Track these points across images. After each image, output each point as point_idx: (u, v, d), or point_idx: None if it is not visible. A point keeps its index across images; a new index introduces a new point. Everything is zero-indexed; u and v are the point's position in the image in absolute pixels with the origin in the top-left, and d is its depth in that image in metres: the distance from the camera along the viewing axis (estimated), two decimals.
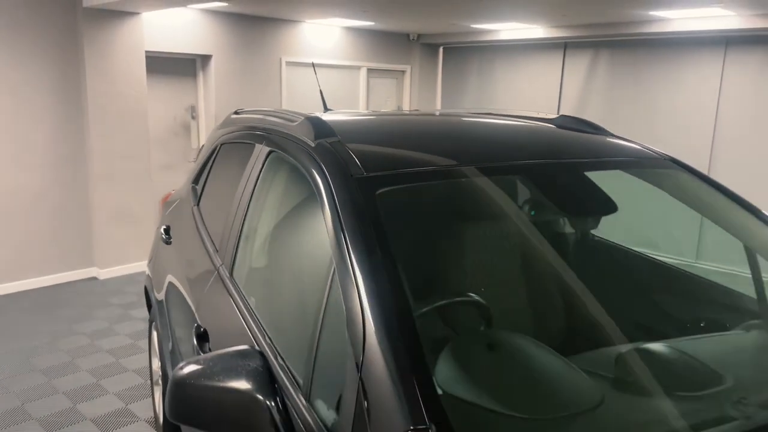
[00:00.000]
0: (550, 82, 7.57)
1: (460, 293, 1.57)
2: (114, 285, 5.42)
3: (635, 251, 2.18)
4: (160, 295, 2.73)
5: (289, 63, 6.97)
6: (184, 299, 2.25)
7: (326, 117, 1.94)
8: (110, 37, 5.33)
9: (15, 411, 3.33)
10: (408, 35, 8.24)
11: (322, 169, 1.54)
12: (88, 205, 5.53)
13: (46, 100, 5.15)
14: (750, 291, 1.93)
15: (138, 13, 5.48)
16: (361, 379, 1.10)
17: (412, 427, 0.99)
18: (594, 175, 1.96)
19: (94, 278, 5.60)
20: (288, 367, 1.39)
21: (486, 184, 1.69)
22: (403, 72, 8.43)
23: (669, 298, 1.97)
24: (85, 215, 5.53)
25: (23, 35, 4.94)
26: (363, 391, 1.09)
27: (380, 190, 1.46)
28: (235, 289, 1.83)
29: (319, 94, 2.78)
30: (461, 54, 8.48)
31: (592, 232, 2.13)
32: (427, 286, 1.56)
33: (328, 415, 1.21)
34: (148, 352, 3.83)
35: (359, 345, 1.14)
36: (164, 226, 2.88)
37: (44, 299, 5.03)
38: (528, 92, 7.80)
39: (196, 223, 2.48)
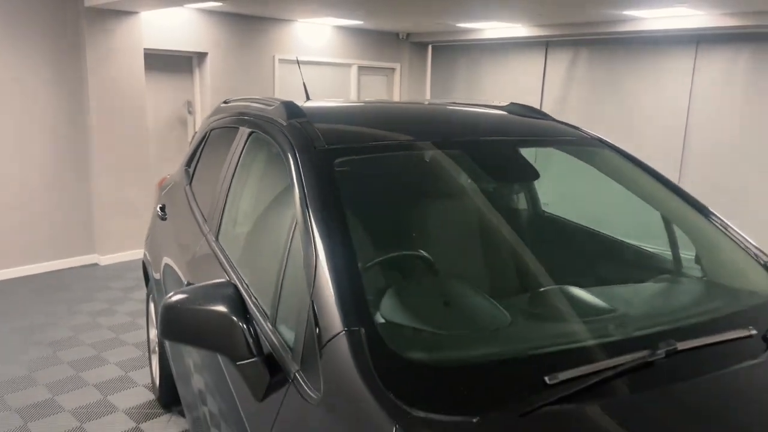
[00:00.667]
0: (533, 80, 7.88)
1: (405, 247, 1.88)
2: (114, 270, 5.72)
3: (567, 219, 2.48)
4: (157, 269, 3.02)
5: (281, 60, 7.27)
6: (177, 269, 2.55)
7: (302, 103, 2.23)
8: (110, 35, 5.63)
9: (23, 379, 3.63)
10: (397, 34, 8.55)
11: (291, 144, 1.84)
12: (89, 195, 5.83)
13: (50, 95, 5.45)
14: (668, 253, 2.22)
15: (137, 13, 5.78)
16: (312, 299, 1.40)
17: (345, 329, 1.29)
18: (540, 153, 2.28)
19: (96, 264, 5.90)
20: (258, 302, 1.69)
21: (434, 156, 2.00)
22: (393, 69, 8.73)
23: (591, 256, 2.27)
24: (87, 205, 5.83)
25: (28, 33, 5.24)
26: (312, 308, 1.38)
27: (338, 160, 1.76)
28: (220, 249, 2.13)
29: (305, 88, 3.08)
30: (449, 52, 8.78)
31: (521, 196, 2.44)
32: (375, 238, 1.86)
33: (289, 336, 1.51)
34: (146, 327, 4.11)
35: (311, 276, 1.44)
36: (160, 205, 3.19)
37: (49, 282, 5.32)
38: (512, 89, 8.10)
39: (188, 199, 2.78)
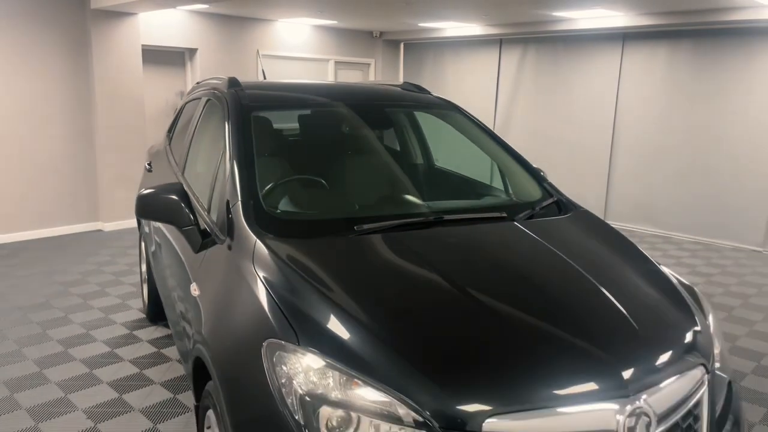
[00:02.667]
0: (489, 73, 8.82)
1: (301, 172, 2.83)
2: (115, 235, 6.69)
3: (431, 163, 3.44)
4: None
5: (264, 56, 8.23)
6: None
7: (244, 80, 3.18)
8: (113, 34, 6.60)
9: (43, 305, 4.59)
10: (371, 32, 9.50)
11: (227, 103, 2.79)
12: (95, 170, 6.80)
13: (61, 85, 6.43)
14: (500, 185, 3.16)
15: (135, 14, 6.75)
16: (227, 200, 2.33)
17: (241, 200, 2.23)
18: (419, 115, 3.31)
19: (100, 230, 6.87)
20: (200, 200, 2.65)
21: (328, 111, 2.97)
22: (368, 64, 9.68)
23: (435, 182, 3.23)
24: (93, 178, 6.80)
25: (44, 32, 6.22)
26: (227, 203, 2.32)
27: (253, 113, 2.71)
28: (183, 178, 3.08)
29: (263, 73, 4.07)
30: (419, 49, 9.73)
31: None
32: (280, 164, 2.81)
33: (217, 220, 2.45)
34: (139, 263, 5.06)
35: (227, 177, 2.39)
36: (147, 162, 4.15)
37: (60, 242, 6.31)
38: (472, 81, 9.05)
39: (166, 154, 3.74)
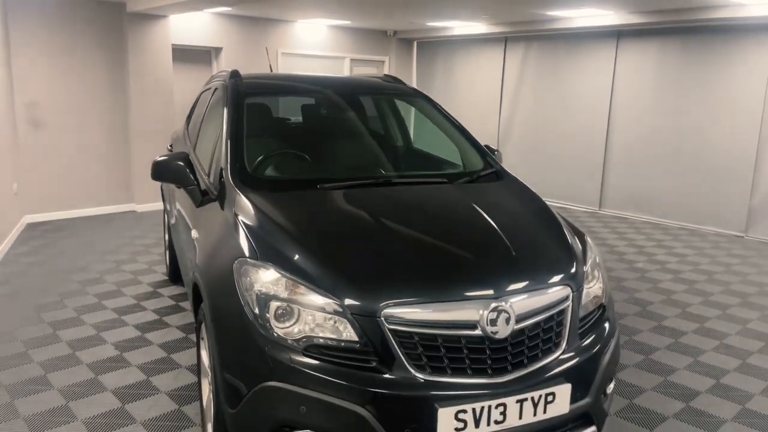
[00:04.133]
0: (495, 70, 9.33)
1: (284, 147, 3.46)
2: (147, 215, 7.45)
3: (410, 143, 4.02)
4: (166, 189, 4.66)
5: (283, 54, 8.91)
6: None
7: (244, 72, 3.81)
8: (146, 34, 7.35)
9: (82, 268, 5.34)
10: (385, 32, 10.09)
11: (228, 91, 3.42)
12: (129, 157, 7.58)
13: (101, 80, 7.21)
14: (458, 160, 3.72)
15: (166, 16, 7.49)
16: (221, 167, 2.96)
17: (230, 164, 2.87)
18: (397, 101, 3.92)
19: (134, 211, 7.65)
20: (203, 167, 3.30)
21: (314, 98, 3.60)
22: (383, 62, 10.28)
23: (403, 157, 3.82)
24: (128, 164, 7.58)
25: (84, 36, 7.01)
26: (220, 169, 2.95)
27: (247, 99, 3.34)
28: (193, 153, 3.74)
29: (270, 66, 4.75)
30: (431, 47, 10.29)
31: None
32: (267, 140, 3.43)
33: (213, 181, 3.07)
34: (163, 233, 5.75)
35: (222, 150, 3.02)
36: (169, 144, 4.85)
37: (99, 220, 7.10)
38: (479, 77, 9.56)
39: (184, 137, 4.42)
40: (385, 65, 10.31)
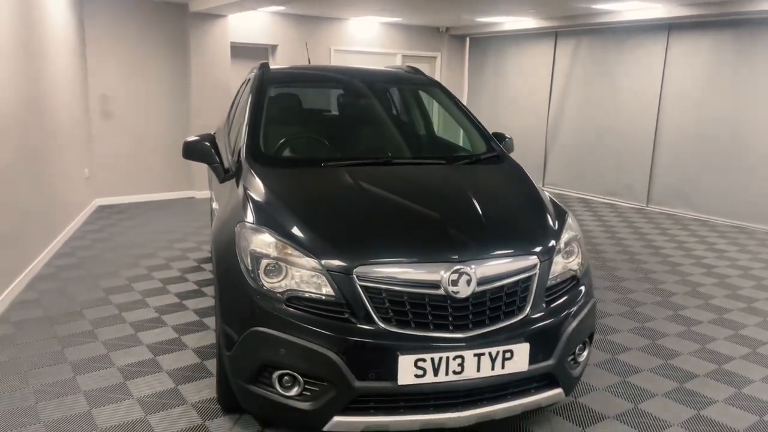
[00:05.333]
0: (545, 65, 9.34)
1: (307, 132, 3.77)
2: (204, 201, 8.02)
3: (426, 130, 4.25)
4: (209, 176, 5.09)
5: (336, 50, 9.29)
6: None
7: (274, 64, 4.16)
8: (207, 33, 7.91)
9: (141, 245, 5.89)
10: (438, 28, 10.29)
11: (256, 80, 3.78)
12: None
13: (165, 75, 7.83)
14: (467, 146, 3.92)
15: (226, 16, 8.02)
16: (240, 147, 3.31)
17: (246, 143, 3.20)
18: (420, 92, 4.19)
19: (192, 197, 8.24)
20: (225, 149, 3.66)
21: (328, 88, 3.89)
22: (435, 58, 10.48)
23: (414, 141, 4.04)
24: None
25: (150, 36, 7.63)
26: (239, 149, 3.29)
27: (271, 87, 3.68)
28: (227, 138, 4.13)
29: (308, 59, 5.13)
30: (483, 43, 10.39)
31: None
32: (281, 121, 3.75)
33: (233, 160, 3.42)
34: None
35: (241, 131, 3.37)
36: (213, 132, 5.30)
37: (160, 205, 7.71)
38: (529, 73, 9.59)
39: (224, 123, 4.83)
40: (437, 61, 10.50)
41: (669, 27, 7.74)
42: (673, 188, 7.91)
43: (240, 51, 8.64)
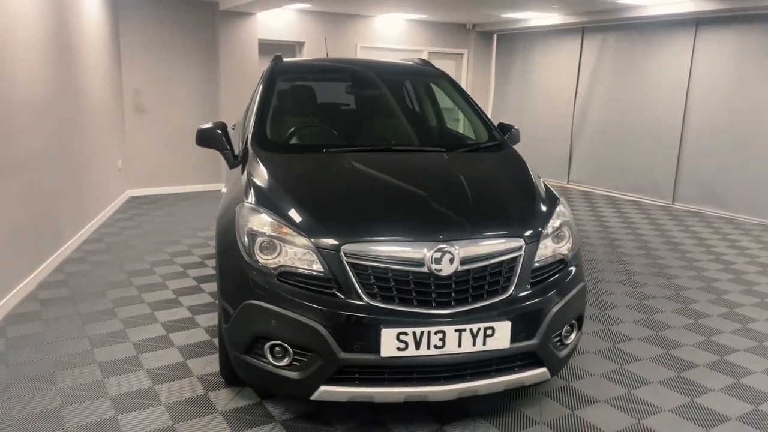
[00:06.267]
0: (571, 61, 9.28)
1: (313, 120, 3.90)
2: None
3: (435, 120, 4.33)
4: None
5: (362, 47, 9.43)
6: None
7: (287, 58, 4.31)
8: (236, 30, 8.14)
9: (168, 233, 6.14)
10: (464, 25, 10.32)
11: (269, 70, 3.93)
12: None
13: (195, 71, 8.09)
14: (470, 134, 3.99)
15: (254, 13, 8.24)
16: (247, 134, 3.47)
17: (254, 131, 3.35)
18: (430, 83, 4.28)
19: (220, 190, 8.49)
20: (238, 138, 3.82)
21: (343, 78, 4.03)
22: (461, 54, 10.52)
23: (420, 129, 4.13)
24: None
25: (182, 32, 7.90)
26: (247, 136, 3.45)
27: (280, 78, 3.83)
28: (242, 126, 4.30)
29: (327, 53, 5.30)
30: (510, 39, 10.38)
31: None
32: (290, 110, 3.89)
33: (241, 147, 3.58)
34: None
35: (248, 119, 3.52)
36: (233, 124, 5.49)
37: (187, 197, 7.98)
38: (556, 69, 9.54)
39: (244, 115, 5.01)
40: (464, 58, 10.54)
41: (696, 22, 7.62)
42: (699, 185, 7.78)
43: (268, 48, 8.85)
